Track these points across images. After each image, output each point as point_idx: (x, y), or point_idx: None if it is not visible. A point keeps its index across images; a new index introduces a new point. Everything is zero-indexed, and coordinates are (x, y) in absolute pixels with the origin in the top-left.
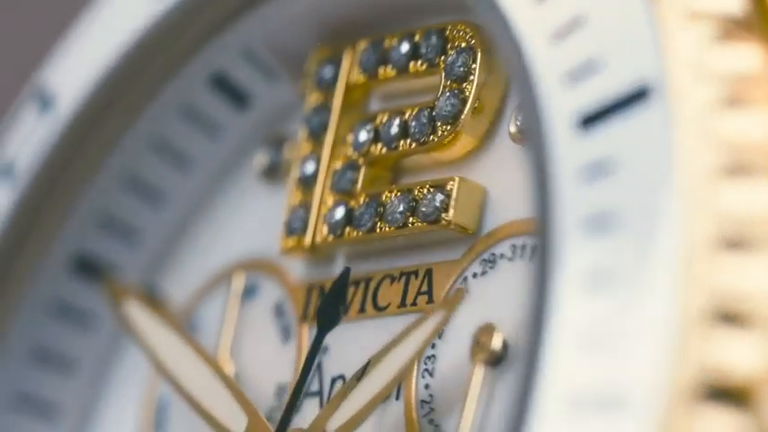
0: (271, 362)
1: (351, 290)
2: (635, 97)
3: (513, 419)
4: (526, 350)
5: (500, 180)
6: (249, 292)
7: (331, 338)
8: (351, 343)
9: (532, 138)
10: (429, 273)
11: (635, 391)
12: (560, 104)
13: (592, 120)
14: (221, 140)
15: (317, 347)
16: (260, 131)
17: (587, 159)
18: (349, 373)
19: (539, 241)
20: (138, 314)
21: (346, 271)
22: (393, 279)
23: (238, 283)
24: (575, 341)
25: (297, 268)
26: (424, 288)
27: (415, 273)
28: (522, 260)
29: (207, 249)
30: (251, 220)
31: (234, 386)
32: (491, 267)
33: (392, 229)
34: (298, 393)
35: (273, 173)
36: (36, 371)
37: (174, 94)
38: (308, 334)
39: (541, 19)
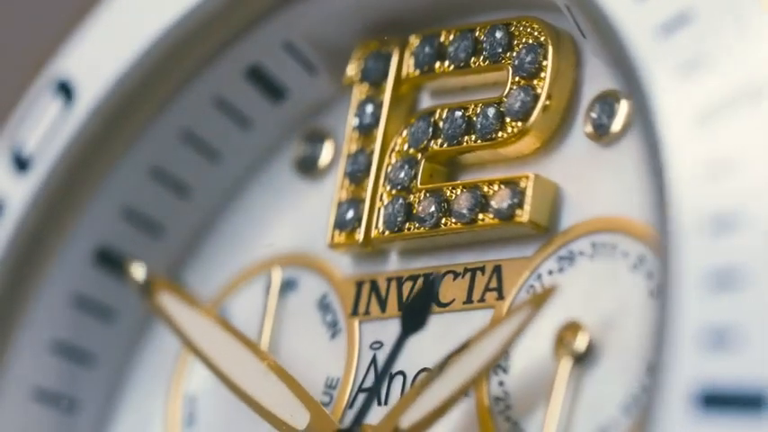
0: (317, 357)
1: (409, 285)
2: (753, 94)
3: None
4: (651, 352)
5: (572, 177)
6: (287, 287)
7: (390, 334)
8: (409, 339)
9: (646, 136)
10: (498, 269)
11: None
12: (674, 101)
13: (708, 117)
14: (253, 133)
15: (398, 349)
16: (294, 125)
17: (706, 157)
18: (408, 370)
19: (660, 243)
20: (174, 306)
21: (435, 275)
22: (456, 275)
23: (276, 277)
24: (697, 342)
25: (341, 262)
26: (493, 284)
27: (482, 269)
28: (604, 258)
29: (235, 244)
30: (283, 215)
31: (293, 381)
32: (569, 264)
33: (460, 225)
34: (373, 393)
35: (308, 167)
36: (55, 363)
37: (208, 85)
38: (358, 329)
39: (646, 14)
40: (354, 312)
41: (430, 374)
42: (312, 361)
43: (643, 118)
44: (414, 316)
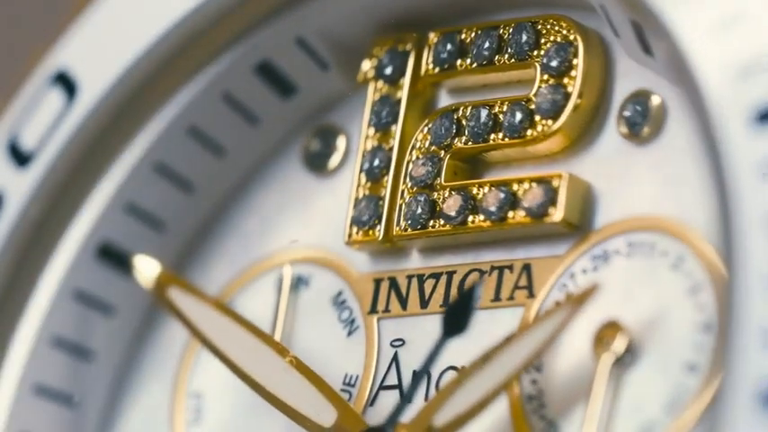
0: (333, 354)
1: (431, 282)
2: None
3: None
4: (716, 352)
5: (604, 175)
6: (298, 284)
7: (411, 331)
8: (432, 336)
9: (704, 136)
10: (527, 267)
11: None
12: (731, 100)
13: (765, 116)
14: (261, 129)
15: (436, 352)
16: (303, 122)
17: (764, 155)
18: (433, 368)
19: (721, 242)
20: (186, 302)
21: (479, 279)
22: (482, 273)
23: (287, 273)
24: (762, 341)
25: (355, 260)
26: (523, 283)
27: (510, 267)
28: (642, 257)
29: (242, 241)
30: (292, 212)
31: (317, 378)
32: (603, 263)
33: (488, 222)
34: (409, 394)
35: (318, 163)
36: (56, 359)
37: (216, 79)
38: (377, 326)
39: (700, 12)
40: (373, 310)
41: (465, 372)
42: (328, 358)
43: (700, 117)
44: (455, 318)
